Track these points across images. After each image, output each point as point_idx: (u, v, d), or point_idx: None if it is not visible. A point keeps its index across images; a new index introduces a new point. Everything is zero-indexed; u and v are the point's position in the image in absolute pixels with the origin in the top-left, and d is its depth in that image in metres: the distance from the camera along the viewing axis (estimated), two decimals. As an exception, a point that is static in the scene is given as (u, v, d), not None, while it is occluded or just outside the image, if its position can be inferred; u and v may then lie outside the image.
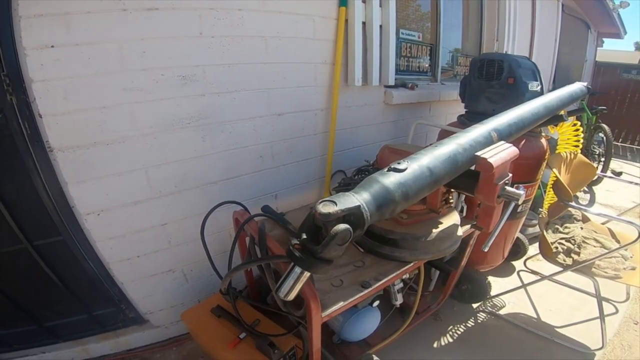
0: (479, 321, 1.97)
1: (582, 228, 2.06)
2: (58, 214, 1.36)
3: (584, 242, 1.91)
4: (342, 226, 0.70)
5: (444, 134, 2.06)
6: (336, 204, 0.73)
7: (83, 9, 1.16)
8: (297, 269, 0.77)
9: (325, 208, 0.72)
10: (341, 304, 1.09)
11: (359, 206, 0.75)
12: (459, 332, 1.88)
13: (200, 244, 1.46)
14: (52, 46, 1.14)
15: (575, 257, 1.80)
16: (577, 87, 1.75)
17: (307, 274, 0.78)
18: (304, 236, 0.77)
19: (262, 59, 1.64)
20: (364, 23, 2.00)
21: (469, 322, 1.95)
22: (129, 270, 1.54)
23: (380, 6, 2.05)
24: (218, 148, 1.61)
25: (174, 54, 1.38)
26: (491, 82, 1.90)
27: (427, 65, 2.86)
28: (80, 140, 1.27)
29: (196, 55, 1.43)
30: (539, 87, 1.87)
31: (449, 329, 1.89)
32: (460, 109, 2.20)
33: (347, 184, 1.68)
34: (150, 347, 1.73)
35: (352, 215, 0.74)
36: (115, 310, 1.67)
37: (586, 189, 3.63)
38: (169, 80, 1.39)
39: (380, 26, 2.09)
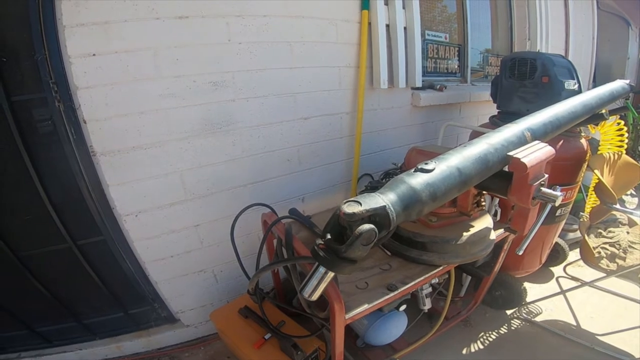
0: (512, 328, 1.87)
1: (628, 232, 1.92)
2: (100, 214, 1.45)
3: (630, 246, 1.78)
4: (367, 226, 0.69)
5: (476, 136, 2.00)
6: (361, 204, 0.72)
7: (120, 18, 1.23)
8: (321, 269, 0.77)
9: (349, 208, 0.71)
10: (365, 306, 1.08)
11: (385, 206, 0.74)
12: (491, 339, 1.80)
13: (230, 245, 1.50)
14: (94, 54, 1.22)
15: (621, 262, 1.68)
16: (618, 84, 1.65)
17: (331, 274, 0.78)
18: (329, 236, 0.77)
19: (288, 63, 1.67)
20: (387, 25, 1.99)
21: (501, 328, 1.87)
22: (162, 270, 1.61)
23: (404, 8, 2.03)
24: (247, 152, 1.66)
25: (205, 60, 1.44)
26: (524, 81, 1.82)
27: (456, 66, 2.80)
28: (120, 145, 1.35)
29: (225, 61, 1.49)
30: (576, 86, 1.77)
31: (480, 335, 1.82)
32: (493, 109, 2.12)
33: (374, 188, 1.66)
34: (180, 346, 1.79)
35: (377, 216, 0.73)
36: (149, 309, 1.74)
37: (634, 192, 3.38)
38: (201, 86, 1.45)
39: (405, 28, 2.07)
